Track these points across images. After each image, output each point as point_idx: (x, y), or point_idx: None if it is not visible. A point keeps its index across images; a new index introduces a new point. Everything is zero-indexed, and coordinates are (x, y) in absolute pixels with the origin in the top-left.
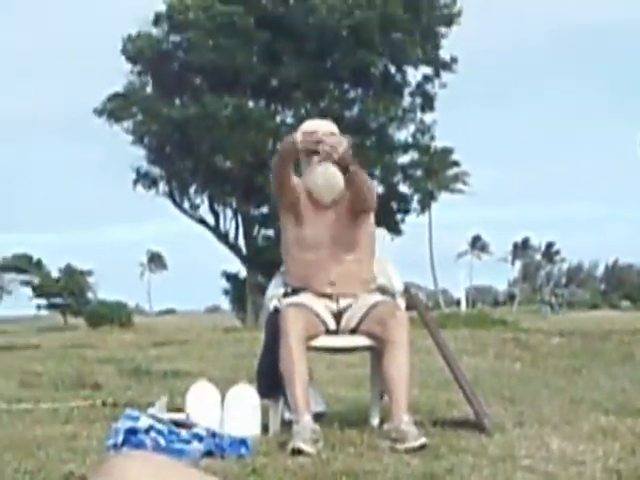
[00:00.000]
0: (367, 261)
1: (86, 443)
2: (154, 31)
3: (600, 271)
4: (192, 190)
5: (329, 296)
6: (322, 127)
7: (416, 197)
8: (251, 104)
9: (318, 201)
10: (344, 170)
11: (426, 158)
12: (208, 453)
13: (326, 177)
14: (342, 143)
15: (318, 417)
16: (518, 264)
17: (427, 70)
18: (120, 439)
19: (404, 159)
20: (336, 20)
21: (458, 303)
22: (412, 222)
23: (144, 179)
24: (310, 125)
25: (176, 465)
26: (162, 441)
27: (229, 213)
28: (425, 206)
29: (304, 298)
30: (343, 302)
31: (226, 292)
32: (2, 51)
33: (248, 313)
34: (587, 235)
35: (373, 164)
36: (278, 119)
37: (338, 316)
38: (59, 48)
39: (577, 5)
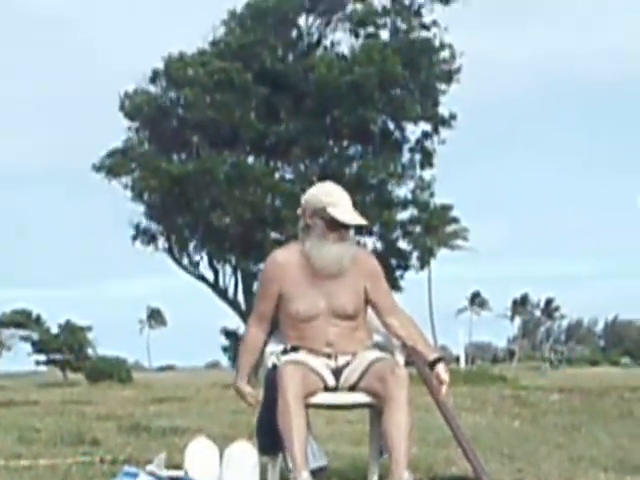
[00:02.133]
0: (363, 324)
1: None
2: (152, 88)
3: (600, 327)
4: (191, 246)
5: (327, 355)
6: (355, 219)
7: (415, 253)
8: (250, 160)
9: (313, 272)
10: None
11: (425, 215)
12: None
13: (340, 256)
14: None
15: (320, 471)
16: (517, 320)
17: (426, 126)
18: None
19: (403, 215)
20: (335, 76)
21: (457, 360)
22: (411, 278)
23: (143, 235)
24: (336, 202)
25: None
26: None
27: (228, 269)
28: (424, 263)
29: (302, 355)
30: (342, 359)
31: (225, 349)
32: (1, 107)
33: None
34: (586, 291)
35: (372, 220)
36: (277, 175)
37: (337, 373)
38: (58, 104)
39: (578, 61)
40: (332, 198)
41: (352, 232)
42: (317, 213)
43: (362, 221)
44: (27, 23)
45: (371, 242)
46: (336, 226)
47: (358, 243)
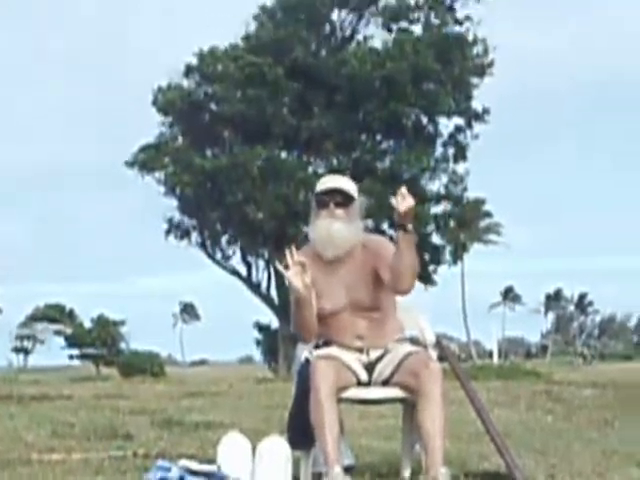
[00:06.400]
0: (391, 313)
1: None
2: (185, 82)
3: (633, 322)
4: (224, 240)
5: (359, 349)
6: (332, 183)
7: (448, 248)
8: (283, 155)
9: (329, 265)
10: (402, 227)
11: (459, 209)
12: None
13: (329, 232)
14: (409, 200)
15: (347, 471)
16: (551, 315)
17: (459, 121)
18: None
19: (436, 210)
20: (367, 71)
21: (490, 354)
22: (444, 273)
23: (176, 229)
24: (324, 181)
25: None
26: None
27: (261, 264)
28: (457, 257)
29: (335, 350)
30: (374, 354)
31: (258, 343)
32: (33, 103)
33: (280, 364)
34: (620, 286)
35: None
36: (310, 170)
37: (370, 367)
38: (91, 100)
39: (614, 56)
40: (322, 181)
41: (351, 210)
42: (312, 200)
43: (337, 185)
44: (61, 17)
45: None
46: (322, 203)
47: (382, 233)
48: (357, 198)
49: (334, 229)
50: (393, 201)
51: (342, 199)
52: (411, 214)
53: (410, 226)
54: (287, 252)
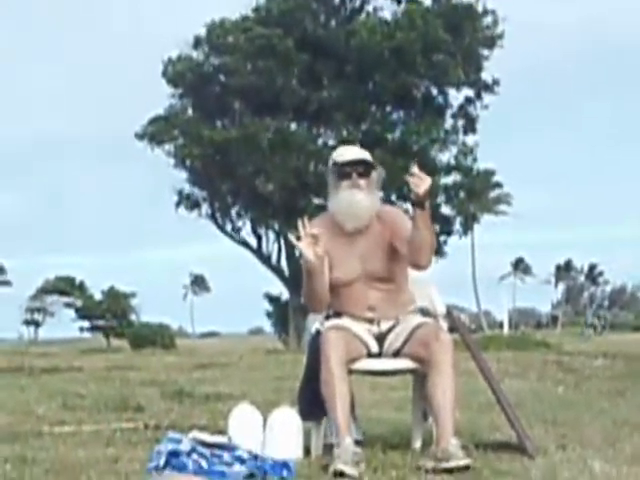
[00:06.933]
0: (403, 286)
1: (128, 466)
2: (194, 54)
3: None
4: (234, 212)
5: (370, 320)
6: (354, 154)
7: (459, 219)
8: (292, 126)
9: (345, 235)
10: (420, 206)
11: (468, 180)
12: (250, 476)
13: (351, 203)
14: (427, 181)
15: (356, 443)
16: (561, 286)
17: (469, 92)
18: (162, 462)
19: (446, 181)
20: (377, 42)
21: (501, 325)
22: (455, 244)
23: (186, 201)
24: (342, 152)
25: None
26: (204, 464)
27: (271, 235)
28: (468, 228)
29: (346, 321)
30: (385, 325)
31: (268, 314)
32: (44, 76)
33: (290, 335)
34: (631, 256)
35: None
36: (320, 141)
37: (380, 339)
38: (101, 72)
39: (624, 26)
40: (339, 152)
41: (372, 180)
42: (330, 171)
43: (360, 155)
44: None
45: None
46: (343, 174)
47: (392, 203)
48: (376, 168)
49: (356, 200)
50: (410, 181)
51: (364, 169)
52: (428, 193)
53: (427, 204)
54: (300, 223)
